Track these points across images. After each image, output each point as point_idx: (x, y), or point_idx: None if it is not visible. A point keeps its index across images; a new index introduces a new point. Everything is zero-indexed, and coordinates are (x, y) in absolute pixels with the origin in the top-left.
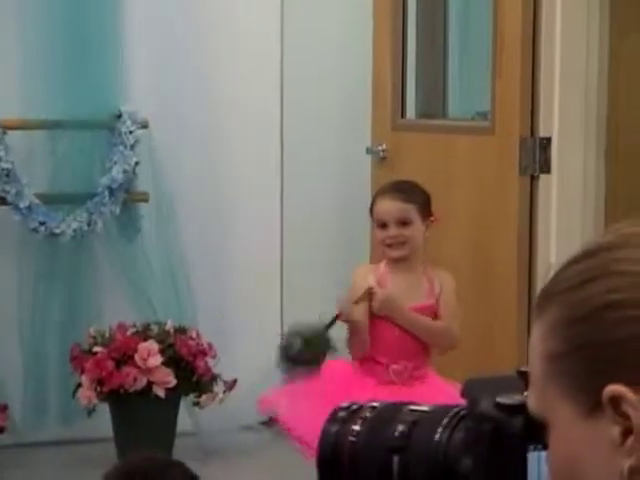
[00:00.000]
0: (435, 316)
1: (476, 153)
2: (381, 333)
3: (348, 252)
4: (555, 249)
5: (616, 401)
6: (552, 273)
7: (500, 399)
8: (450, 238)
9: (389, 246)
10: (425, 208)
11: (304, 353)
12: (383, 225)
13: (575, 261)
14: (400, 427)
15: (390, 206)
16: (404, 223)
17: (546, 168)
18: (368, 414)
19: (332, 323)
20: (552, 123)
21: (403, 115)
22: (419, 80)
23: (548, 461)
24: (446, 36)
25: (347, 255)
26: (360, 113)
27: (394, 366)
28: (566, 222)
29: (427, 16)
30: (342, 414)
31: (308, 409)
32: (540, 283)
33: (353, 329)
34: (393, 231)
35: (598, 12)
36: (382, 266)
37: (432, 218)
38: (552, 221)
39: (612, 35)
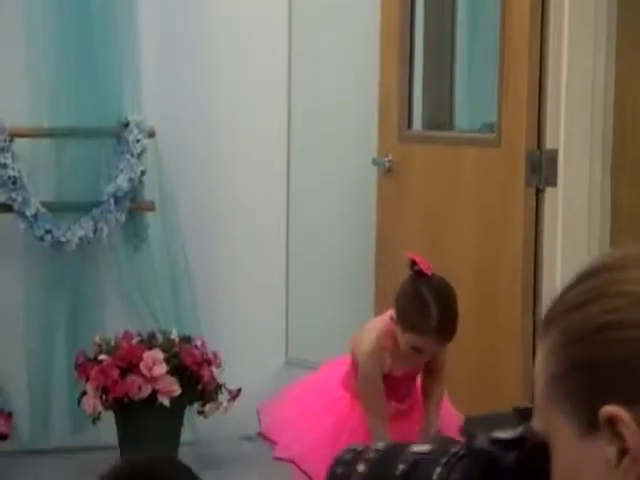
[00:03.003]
0: None
1: (482, 165)
2: (392, 381)
3: (353, 265)
4: (561, 262)
5: (612, 421)
6: (554, 297)
7: (495, 434)
8: (455, 250)
9: (410, 362)
10: None
11: None
12: (418, 350)
13: (575, 283)
14: (401, 466)
15: (434, 348)
16: None
17: (552, 181)
18: (372, 455)
19: None
20: (559, 136)
21: (410, 126)
22: (426, 91)
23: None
24: (453, 47)
25: (353, 269)
26: (366, 124)
27: (401, 406)
28: (572, 235)
29: (434, 28)
30: (347, 456)
31: (293, 422)
32: (545, 297)
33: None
34: (424, 358)
35: (606, 26)
36: (384, 341)
37: None
38: (558, 234)
39: (619, 49)
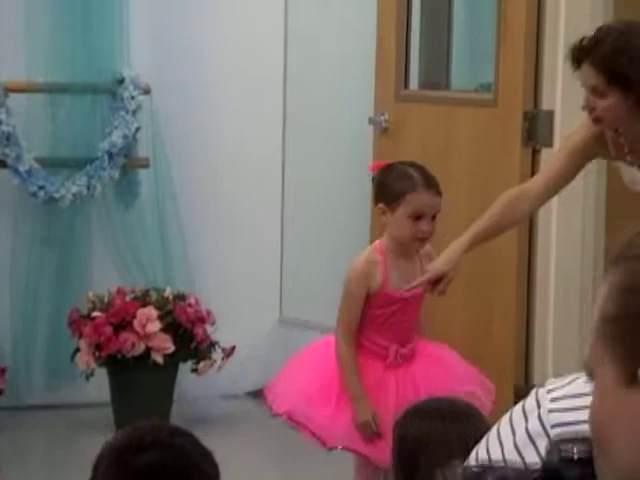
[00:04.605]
0: (422, 297)
1: (479, 125)
2: (393, 322)
3: (349, 223)
4: (556, 222)
5: None
6: (625, 236)
7: (564, 453)
8: (451, 210)
9: (421, 240)
10: None
11: None
12: (417, 216)
13: None
14: None
15: (432, 200)
16: (435, 217)
17: (549, 141)
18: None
19: None
20: (555, 96)
21: (406, 86)
22: (423, 50)
23: (590, 412)
24: (450, 6)
25: (348, 227)
26: (363, 83)
27: (402, 350)
28: (567, 195)
29: None
30: (475, 469)
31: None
32: (540, 257)
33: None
34: (429, 226)
35: None
36: (377, 253)
37: None
38: None
39: (618, 6)
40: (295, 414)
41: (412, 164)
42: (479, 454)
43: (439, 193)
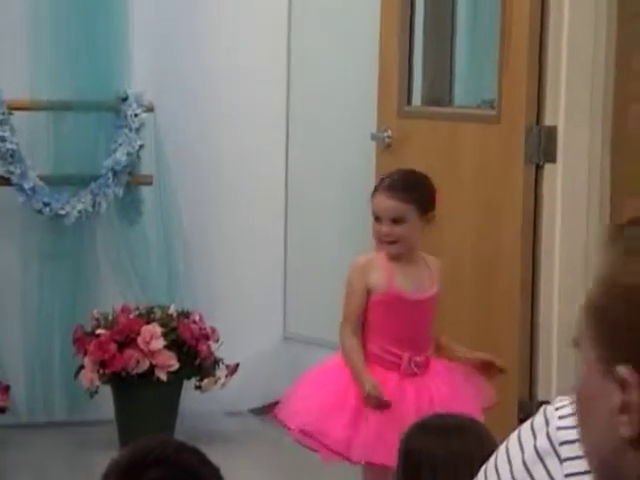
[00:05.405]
0: (435, 305)
1: (482, 141)
2: (404, 328)
3: (353, 240)
4: (559, 238)
5: (623, 381)
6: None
7: None
8: (454, 226)
9: (381, 241)
10: (425, 205)
11: None
12: (377, 218)
13: None
14: None
15: (386, 204)
16: (397, 221)
17: (551, 157)
18: None
19: None
20: (558, 112)
21: (409, 102)
22: (426, 67)
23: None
24: (454, 23)
25: (352, 243)
26: (366, 99)
27: (417, 358)
28: (571, 211)
29: (435, 3)
30: None
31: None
32: (544, 272)
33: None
34: (385, 228)
35: (605, 3)
36: (381, 258)
37: (433, 211)
38: (557, 210)
39: (620, 24)
40: (309, 431)
41: (401, 170)
42: (488, 474)
43: (405, 200)
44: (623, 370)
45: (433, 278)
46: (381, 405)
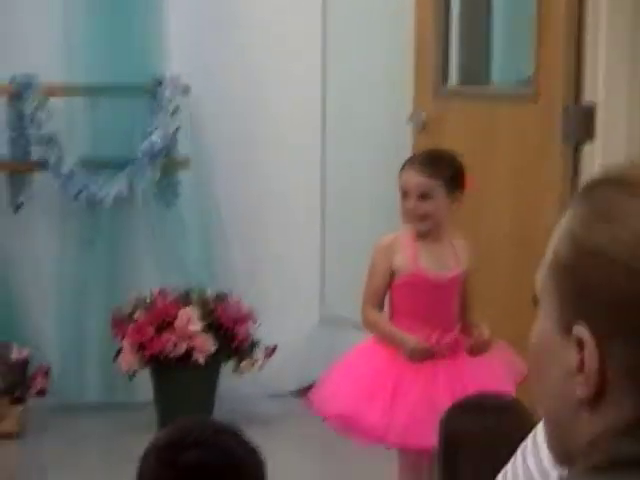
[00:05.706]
0: (460, 285)
1: (519, 121)
2: (430, 308)
3: (389, 223)
4: None
5: (580, 341)
6: (602, 169)
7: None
8: (491, 207)
9: (407, 218)
10: (453, 182)
11: None
12: (405, 194)
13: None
14: None
15: (413, 179)
16: (425, 197)
17: (590, 136)
18: None
19: None
20: (597, 90)
21: (445, 82)
22: (462, 46)
23: (531, 333)
24: (490, 1)
25: (388, 226)
26: (402, 81)
27: (445, 339)
28: None
29: None
30: None
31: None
32: None
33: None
34: (412, 204)
35: None
36: (406, 237)
37: (462, 190)
38: None
39: None
40: (345, 415)
41: (430, 149)
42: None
43: (433, 175)
44: (581, 329)
45: (458, 258)
46: (429, 354)
